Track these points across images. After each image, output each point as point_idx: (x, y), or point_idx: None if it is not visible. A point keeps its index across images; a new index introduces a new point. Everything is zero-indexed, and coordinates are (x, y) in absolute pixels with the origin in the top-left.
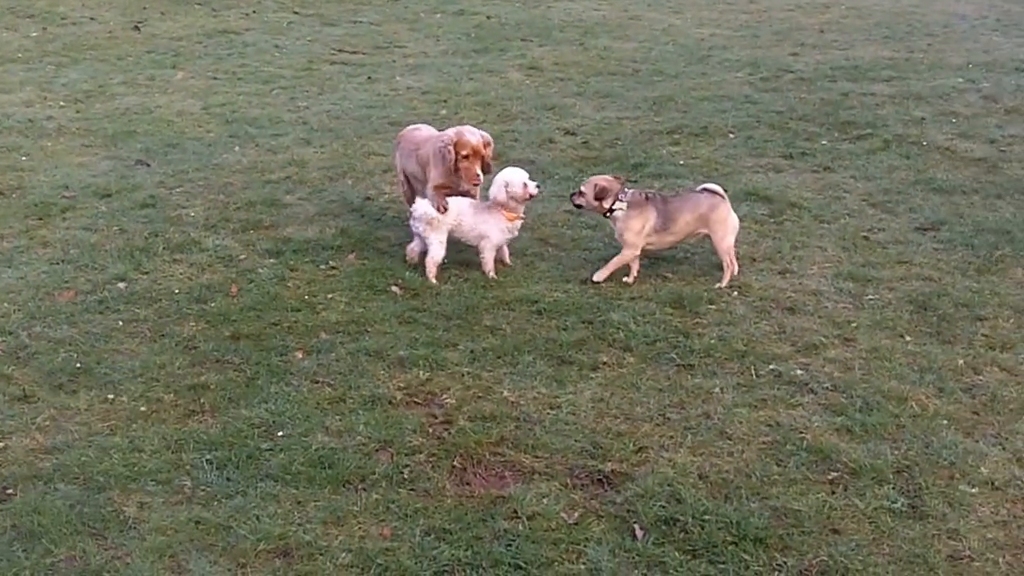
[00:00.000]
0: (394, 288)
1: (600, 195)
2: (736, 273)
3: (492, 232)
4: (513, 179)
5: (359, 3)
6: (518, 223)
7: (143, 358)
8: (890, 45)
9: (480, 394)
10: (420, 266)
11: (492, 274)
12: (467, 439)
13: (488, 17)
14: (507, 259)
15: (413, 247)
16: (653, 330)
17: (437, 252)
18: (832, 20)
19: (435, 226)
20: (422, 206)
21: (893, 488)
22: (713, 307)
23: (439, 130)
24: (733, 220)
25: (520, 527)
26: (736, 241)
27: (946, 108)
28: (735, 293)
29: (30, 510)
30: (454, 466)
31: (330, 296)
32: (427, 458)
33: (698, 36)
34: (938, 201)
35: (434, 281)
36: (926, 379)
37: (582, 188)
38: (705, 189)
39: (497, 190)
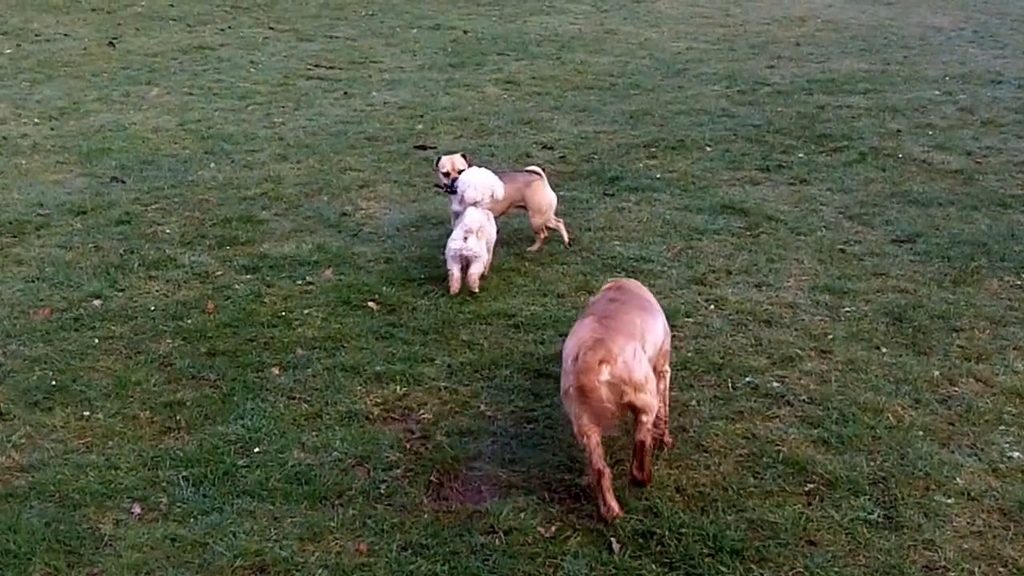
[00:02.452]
0: (370, 304)
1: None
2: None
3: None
4: (497, 185)
5: (335, 18)
6: None
7: (119, 375)
8: (866, 58)
9: (457, 409)
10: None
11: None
12: (444, 454)
13: (465, 32)
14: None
15: (456, 270)
16: None
17: (481, 266)
18: (808, 33)
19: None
20: (477, 213)
21: (869, 499)
22: (690, 320)
23: None
24: (548, 197)
25: (497, 541)
26: (713, 253)
27: (922, 120)
28: (712, 306)
29: (5, 528)
30: (431, 481)
31: (306, 312)
32: (404, 473)
33: (674, 50)
34: (914, 213)
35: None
36: (902, 390)
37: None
38: (528, 170)
39: (482, 195)
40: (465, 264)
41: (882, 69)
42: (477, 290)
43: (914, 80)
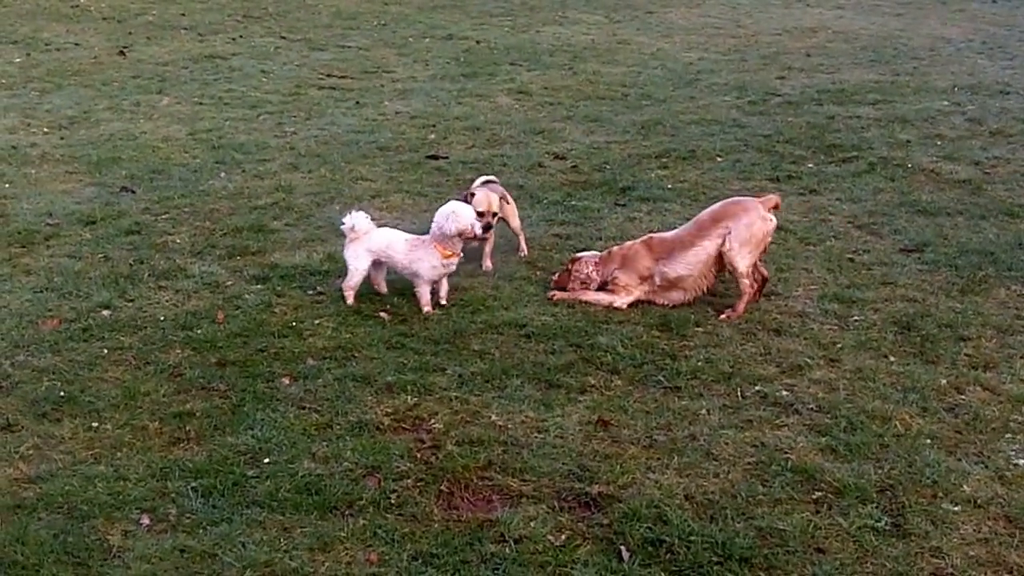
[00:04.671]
0: (382, 313)
1: None
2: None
3: (423, 270)
4: (466, 217)
5: (347, 28)
6: (455, 261)
7: (128, 386)
8: (876, 68)
9: (468, 419)
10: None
11: (428, 308)
12: (455, 463)
13: (477, 42)
14: (444, 298)
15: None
16: (640, 353)
17: (351, 275)
18: (819, 44)
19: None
20: (351, 216)
21: (877, 507)
22: (700, 329)
23: None
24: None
25: (507, 550)
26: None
27: (931, 131)
28: (722, 315)
29: (13, 540)
30: (442, 491)
31: (317, 322)
32: (415, 483)
33: (686, 60)
34: (923, 223)
35: (351, 302)
36: (909, 399)
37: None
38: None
39: (447, 225)
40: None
41: (891, 80)
42: (348, 301)
43: (923, 91)
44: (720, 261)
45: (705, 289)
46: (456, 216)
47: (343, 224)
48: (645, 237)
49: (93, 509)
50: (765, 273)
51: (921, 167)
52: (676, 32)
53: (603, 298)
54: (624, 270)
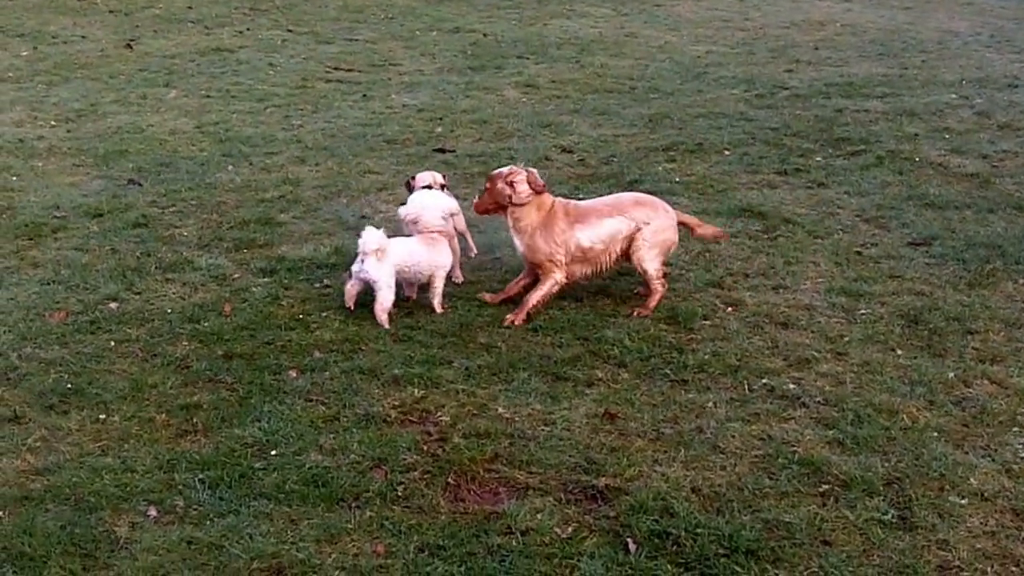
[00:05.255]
0: None
1: None
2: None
3: (450, 260)
4: (454, 207)
5: (354, 21)
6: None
7: (135, 378)
8: (884, 62)
9: (475, 411)
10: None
11: (440, 309)
12: (461, 456)
13: (484, 35)
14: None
15: (352, 286)
16: (648, 346)
17: (387, 296)
18: (827, 37)
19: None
20: (373, 234)
21: (883, 500)
22: (707, 323)
23: None
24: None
25: (514, 542)
26: (730, 256)
27: (939, 124)
28: (729, 309)
29: (21, 531)
30: (448, 483)
31: (324, 315)
32: (421, 475)
33: (694, 53)
34: (930, 216)
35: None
36: (917, 392)
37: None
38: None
39: (437, 216)
40: (364, 288)
41: (899, 73)
42: (385, 325)
43: (931, 84)
44: (627, 250)
45: (607, 269)
46: (447, 200)
47: (366, 245)
48: (562, 201)
49: (100, 501)
50: (665, 269)
51: (929, 160)
52: (684, 25)
53: (545, 290)
54: (543, 235)
